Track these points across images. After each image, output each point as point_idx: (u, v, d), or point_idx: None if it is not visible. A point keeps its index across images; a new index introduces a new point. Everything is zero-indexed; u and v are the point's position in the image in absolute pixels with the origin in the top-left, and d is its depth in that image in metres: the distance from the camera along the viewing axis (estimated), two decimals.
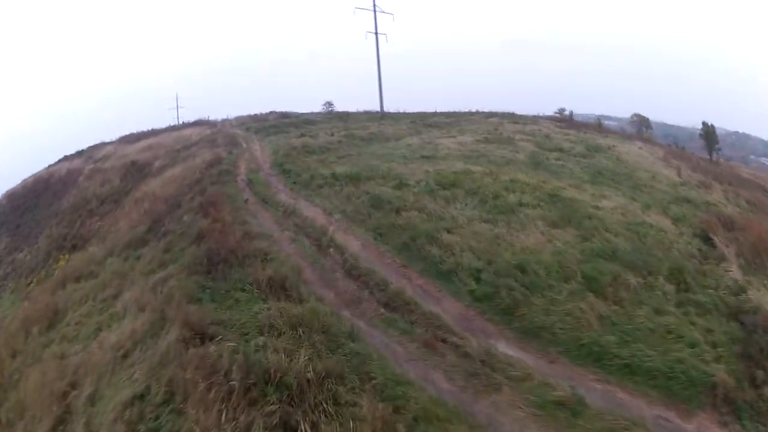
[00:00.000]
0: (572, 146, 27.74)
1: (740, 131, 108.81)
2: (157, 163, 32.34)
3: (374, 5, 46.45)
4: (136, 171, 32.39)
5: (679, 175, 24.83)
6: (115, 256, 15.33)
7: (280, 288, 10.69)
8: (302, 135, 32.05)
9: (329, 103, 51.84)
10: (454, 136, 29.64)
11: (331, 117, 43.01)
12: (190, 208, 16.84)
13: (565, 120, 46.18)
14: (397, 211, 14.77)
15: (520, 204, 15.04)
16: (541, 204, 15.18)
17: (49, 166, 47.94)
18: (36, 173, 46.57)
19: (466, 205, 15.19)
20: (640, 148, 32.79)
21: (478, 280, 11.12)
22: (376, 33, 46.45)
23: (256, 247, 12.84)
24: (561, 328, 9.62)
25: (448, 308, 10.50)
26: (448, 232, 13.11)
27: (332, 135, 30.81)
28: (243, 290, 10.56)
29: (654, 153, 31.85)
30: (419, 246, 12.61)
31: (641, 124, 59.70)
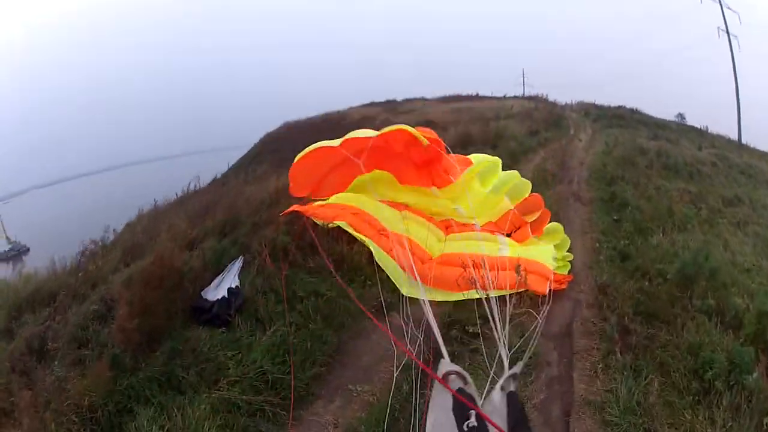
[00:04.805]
0: None
1: None
2: (452, 129, 24.38)
3: None
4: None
5: None
6: None
7: None
8: (656, 136, 23.58)
9: (681, 115, 43.63)
10: None
11: (686, 129, 34.37)
12: None
13: None
14: None
15: None
16: None
17: (350, 108, 46.11)
18: (330, 111, 44.88)
19: None
20: None
21: None
22: (728, 33, 37.53)
23: None
24: None
25: None
26: None
27: (700, 149, 21.54)
28: None
29: None
30: None
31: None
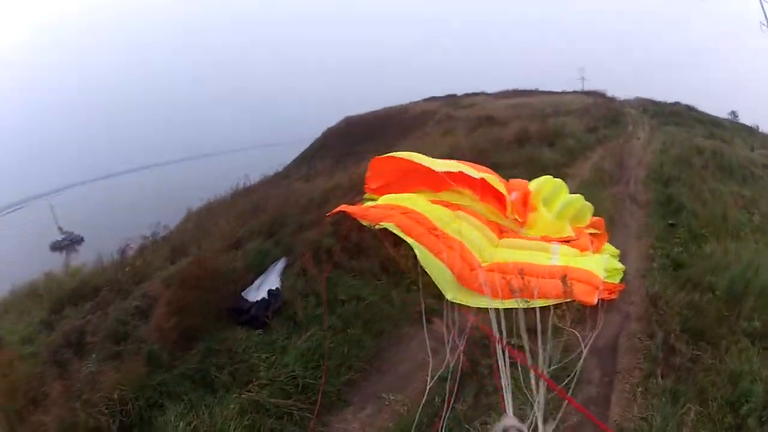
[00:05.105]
0: None
1: None
2: (511, 124, 24.60)
3: None
4: (487, 127, 26.00)
5: None
6: None
7: None
8: (711, 135, 24.22)
9: (734, 113, 44.81)
10: None
11: (738, 128, 34.87)
12: None
13: None
14: None
15: None
16: None
17: (411, 102, 46.46)
18: (391, 106, 45.47)
19: None
20: None
21: None
22: None
23: None
24: None
25: None
26: None
27: (752, 150, 22.21)
28: None
29: None
30: None
31: None
